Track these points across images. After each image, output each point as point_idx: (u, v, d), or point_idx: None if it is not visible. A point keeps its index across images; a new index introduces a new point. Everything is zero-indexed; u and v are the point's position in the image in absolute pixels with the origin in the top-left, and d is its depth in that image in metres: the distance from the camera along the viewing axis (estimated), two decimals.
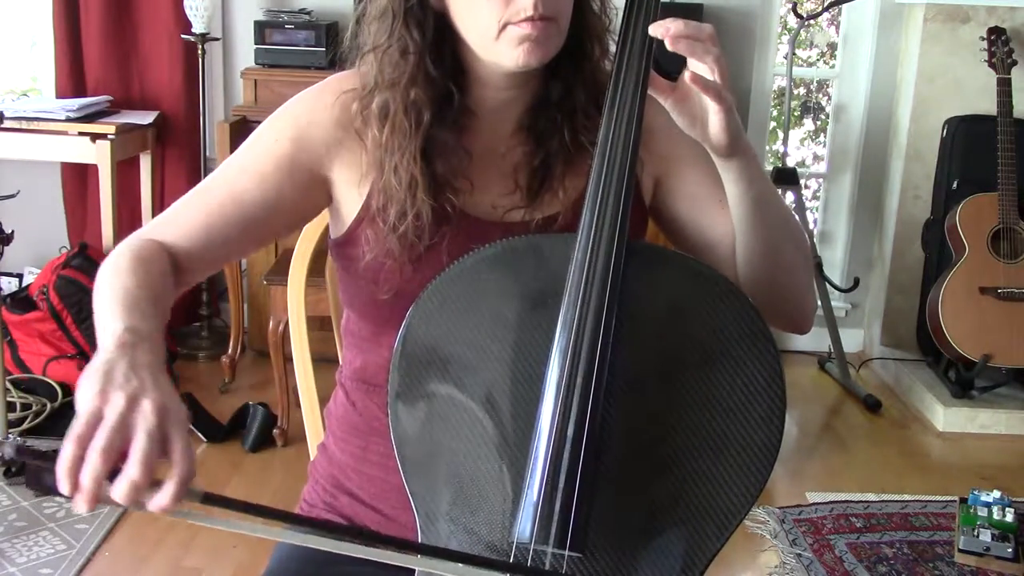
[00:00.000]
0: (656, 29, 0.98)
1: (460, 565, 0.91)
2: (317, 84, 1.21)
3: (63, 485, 0.81)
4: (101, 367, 0.88)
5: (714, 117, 1.00)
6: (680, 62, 0.99)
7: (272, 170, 1.16)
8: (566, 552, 0.96)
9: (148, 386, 0.87)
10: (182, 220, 1.17)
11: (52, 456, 0.83)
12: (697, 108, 1.01)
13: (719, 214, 1.17)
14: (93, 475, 0.81)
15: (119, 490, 0.82)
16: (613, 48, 1.16)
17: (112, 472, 0.82)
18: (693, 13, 3.51)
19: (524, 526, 0.96)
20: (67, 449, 0.82)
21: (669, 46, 0.98)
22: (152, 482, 0.83)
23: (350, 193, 1.19)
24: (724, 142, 1.02)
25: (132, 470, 0.82)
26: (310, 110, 1.19)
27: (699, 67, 0.98)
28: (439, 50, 1.13)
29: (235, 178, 1.18)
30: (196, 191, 1.19)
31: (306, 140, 1.17)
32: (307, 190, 1.19)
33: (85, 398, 0.85)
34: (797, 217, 1.52)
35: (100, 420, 0.84)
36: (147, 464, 0.82)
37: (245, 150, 1.20)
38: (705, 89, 0.98)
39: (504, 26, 1.07)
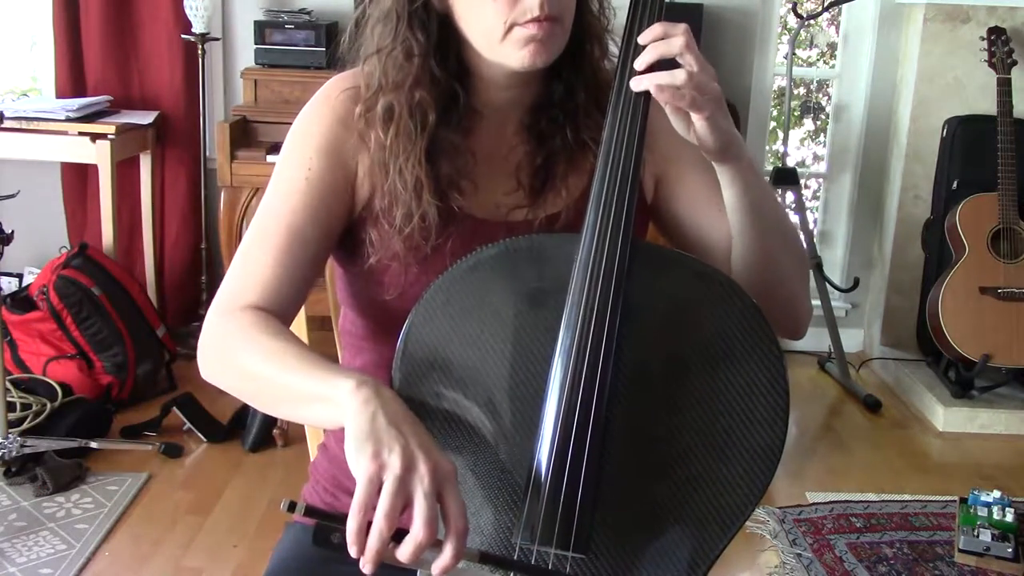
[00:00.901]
0: (639, 84, 1.01)
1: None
2: (318, 93, 1.20)
3: (353, 550, 0.87)
4: (365, 430, 0.91)
5: (698, 124, 1.01)
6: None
7: (314, 195, 1.14)
8: (569, 553, 0.96)
9: (415, 445, 0.91)
10: (260, 277, 1.13)
11: (341, 519, 0.88)
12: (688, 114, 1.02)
13: (717, 217, 1.17)
14: (380, 540, 0.87)
15: (405, 552, 0.88)
16: (612, 48, 1.17)
17: (396, 533, 0.88)
18: (693, 13, 3.51)
19: (527, 527, 0.96)
20: (355, 516, 0.87)
21: (633, 87, 1.02)
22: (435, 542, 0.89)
23: (359, 190, 1.18)
24: (711, 147, 1.03)
25: (419, 533, 0.87)
26: (326, 118, 1.17)
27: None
28: (443, 52, 1.13)
29: (287, 215, 1.14)
30: (254, 242, 1.15)
31: (336, 156, 1.16)
32: (346, 193, 1.17)
33: (360, 465, 0.89)
34: (797, 223, 1.52)
35: (380, 485, 0.88)
36: (431, 526, 0.88)
37: (282, 182, 1.16)
38: (675, 102, 0.99)
39: (510, 27, 1.07)
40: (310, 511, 0.91)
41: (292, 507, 0.90)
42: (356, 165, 1.17)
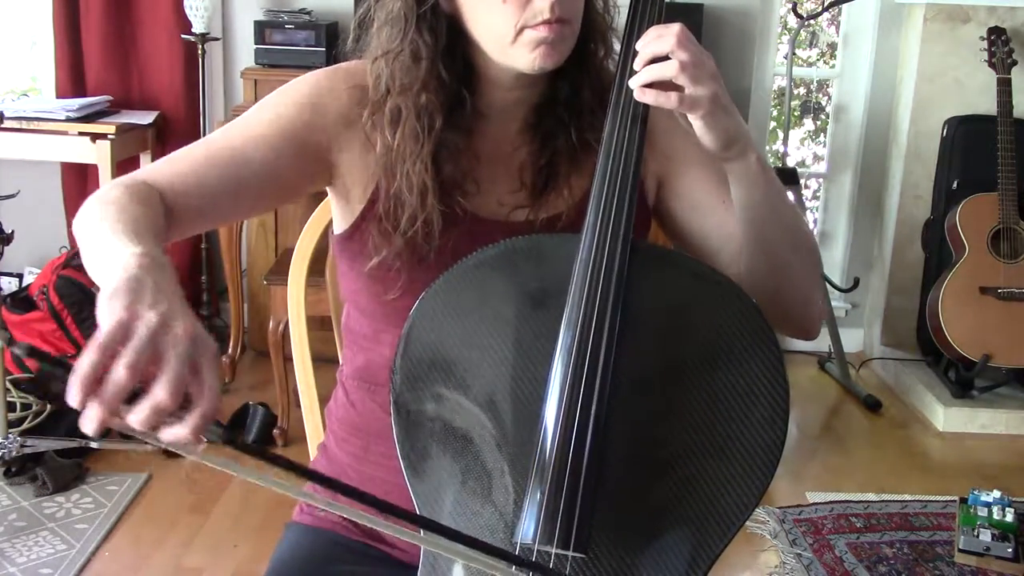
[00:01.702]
0: (633, 83, 1.01)
1: (466, 550, 0.90)
2: (332, 67, 1.20)
3: (76, 395, 0.74)
4: (127, 283, 0.80)
5: (696, 123, 1.01)
6: None
7: (277, 135, 1.14)
8: (569, 552, 0.96)
9: (179, 310, 0.79)
10: (177, 167, 1.11)
11: (67, 363, 0.75)
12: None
13: (722, 217, 1.17)
14: (116, 388, 0.74)
15: (140, 413, 0.74)
16: (616, 46, 1.17)
17: (131, 395, 0.75)
18: (693, 13, 3.51)
19: (528, 526, 0.96)
20: (88, 357, 0.74)
21: (636, 96, 1.01)
22: (174, 413, 0.76)
23: (355, 188, 1.18)
24: (711, 146, 1.03)
25: (160, 392, 0.74)
26: (325, 89, 1.17)
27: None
28: (451, 54, 1.13)
29: (239, 136, 1.15)
30: (198, 142, 1.15)
31: (318, 115, 1.16)
32: (309, 164, 1.17)
33: (111, 310, 0.77)
34: (806, 222, 1.51)
35: (128, 334, 0.76)
36: (177, 389, 0.75)
37: (254, 112, 1.17)
38: (663, 104, 0.99)
39: (521, 30, 1.07)
40: (33, 351, 0.78)
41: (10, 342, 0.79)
42: (336, 148, 1.17)
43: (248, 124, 1.16)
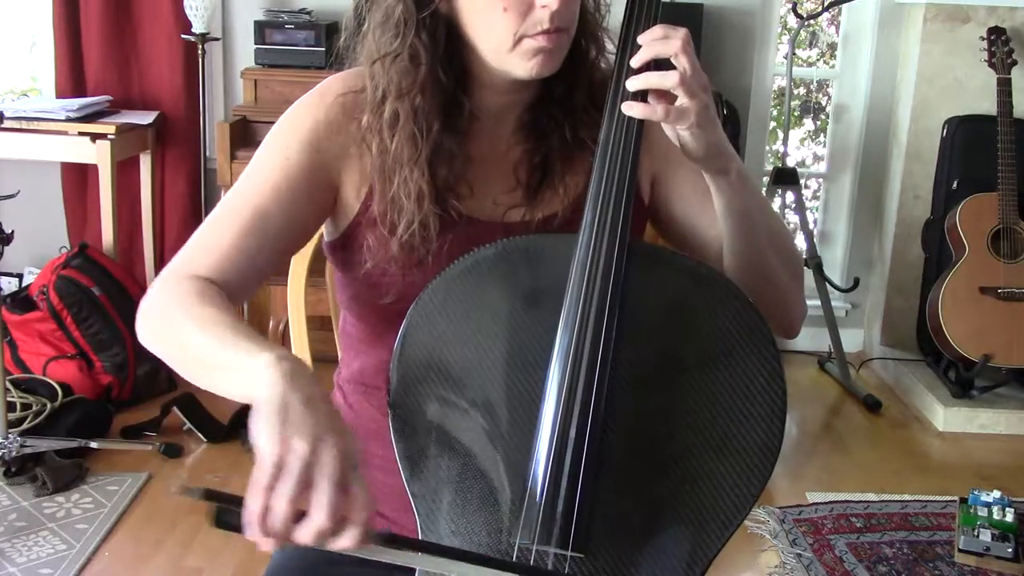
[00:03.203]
0: (632, 84, 1.01)
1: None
2: (314, 89, 1.20)
3: (252, 533, 0.84)
4: (276, 405, 0.87)
5: (682, 134, 1.01)
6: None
7: (290, 186, 1.14)
8: (568, 553, 0.96)
9: (326, 428, 0.87)
10: (214, 252, 1.11)
11: (239, 501, 0.84)
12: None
13: (711, 215, 1.17)
14: (281, 523, 0.83)
15: (304, 535, 0.84)
16: (608, 45, 1.17)
17: (298, 514, 0.85)
18: (693, 13, 3.51)
19: (526, 527, 0.96)
20: (254, 499, 0.83)
21: (629, 86, 1.01)
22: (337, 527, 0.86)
23: (349, 196, 1.18)
24: (694, 157, 1.03)
25: (318, 519, 0.84)
26: (316, 118, 1.17)
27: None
28: (449, 58, 1.13)
29: (256, 199, 1.14)
30: (219, 217, 1.14)
31: (319, 149, 1.16)
32: (324, 195, 1.17)
33: (266, 444, 0.85)
34: (797, 224, 1.52)
35: (283, 468, 0.84)
36: (333, 513, 0.84)
37: (260, 168, 1.16)
38: (648, 116, 0.99)
39: (520, 39, 1.07)
40: (208, 494, 0.86)
41: (189, 492, 0.86)
42: (340, 172, 1.17)
43: (259, 181, 1.15)
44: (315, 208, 1.17)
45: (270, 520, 0.83)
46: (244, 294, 1.14)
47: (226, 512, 0.85)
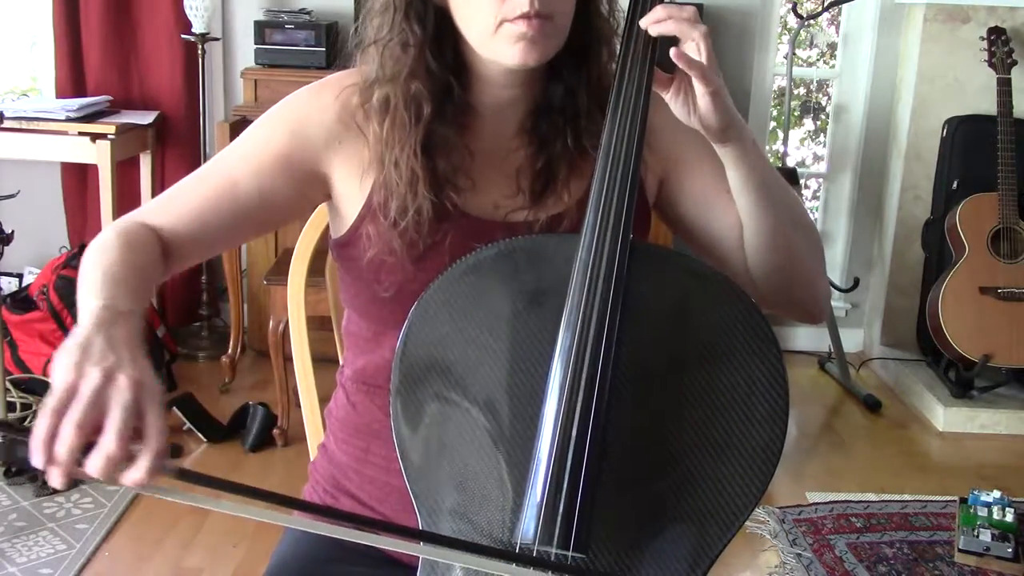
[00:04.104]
0: (644, 22, 1.03)
1: (466, 555, 0.91)
2: (317, 81, 1.22)
3: (36, 457, 0.82)
4: (78, 342, 0.89)
5: (703, 100, 1.02)
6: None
7: (268, 163, 1.17)
8: (570, 552, 0.96)
9: (124, 362, 0.88)
10: (175, 206, 1.17)
11: (27, 430, 0.83)
12: (692, 96, 1.03)
13: (725, 208, 1.18)
14: (67, 448, 0.82)
15: (94, 464, 0.82)
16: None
17: (87, 446, 0.83)
18: None
19: (527, 526, 0.96)
20: (41, 422, 0.83)
21: (652, 31, 1.03)
22: (127, 457, 0.84)
23: (352, 191, 1.18)
24: (716, 125, 1.04)
25: (107, 443, 0.83)
26: (308, 106, 1.19)
27: (687, 46, 1.01)
28: (440, 44, 1.14)
29: (231, 168, 1.18)
30: (192, 177, 1.20)
31: (303, 136, 1.17)
32: (303, 185, 1.19)
33: (61, 372, 0.86)
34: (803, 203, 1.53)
35: (75, 394, 0.84)
36: (122, 438, 0.83)
37: (242, 141, 1.20)
38: (689, 66, 1.00)
39: (500, 23, 1.07)
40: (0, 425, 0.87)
41: None
42: (330, 164, 1.18)
43: (238, 152, 1.19)
44: (292, 195, 1.19)
45: (57, 446, 0.82)
46: (192, 257, 1.19)
47: (14, 443, 0.84)
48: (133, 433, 0.85)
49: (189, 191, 1.18)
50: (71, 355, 0.87)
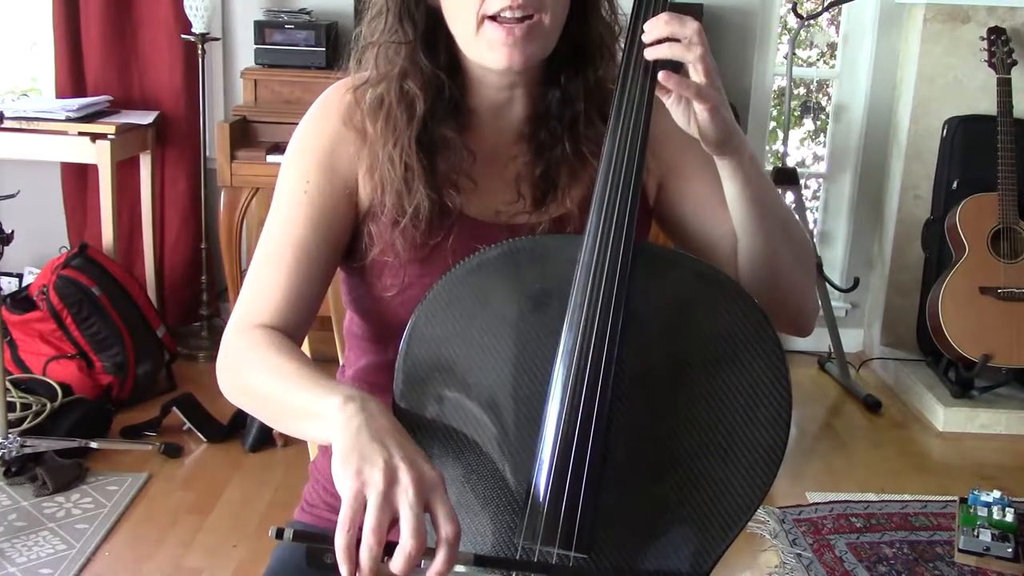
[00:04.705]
0: (645, 49, 1.03)
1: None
2: (315, 104, 1.21)
3: (344, 569, 0.86)
4: (348, 447, 0.91)
5: (701, 114, 1.02)
6: None
7: (317, 211, 1.16)
8: (572, 553, 0.96)
9: (399, 457, 0.90)
10: (271, 299, 1.15)
11: (331, 539, 0.87)
12: (692, 105, 1.03)
13: (721, 216, 1.18)
14: (371, 555, 0.86)
15: (397, 564, 0.87)
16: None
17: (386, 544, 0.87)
18: (693, 13, 3.49)
19: (530, 527, 0.96)
20: (341, 535, 0.86)
21: (648, 56, 1.03)
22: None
23: (362, 195, 1.18)
24: (713, 138, 1.04)
25: (407, 545, 0.87)
26: (322, 138, 1.18)
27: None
28: (433, 44, 1.14)
29: (291, 235, 1.16)
30: (262, 262, 1.17)
31: (332, 168, 1.17)
32: (347, 206, 1.18)
33: (345, 482, 0.89)
34: (798, 218, 1.53)
35: (364, 502, 0.88)
36: (419, 536, 0.87)
37: (285, 204, 1.18)
38: (682, 88, 1.01)
39: (482, 20, 1.07)
40: (299, 535, 0.90)
41: (280, 534, 0.89)
42: (356, 176, 1.18)
43: (286, 216, 1.17)
44: (346, 218, 1.18)
45: (362, 555, 0.86)
46: (306, 327, 1.19)
47: (318, 552, 0.89)
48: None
49: (272, 278, 1.16)
50: (349, 463, 0.90)
